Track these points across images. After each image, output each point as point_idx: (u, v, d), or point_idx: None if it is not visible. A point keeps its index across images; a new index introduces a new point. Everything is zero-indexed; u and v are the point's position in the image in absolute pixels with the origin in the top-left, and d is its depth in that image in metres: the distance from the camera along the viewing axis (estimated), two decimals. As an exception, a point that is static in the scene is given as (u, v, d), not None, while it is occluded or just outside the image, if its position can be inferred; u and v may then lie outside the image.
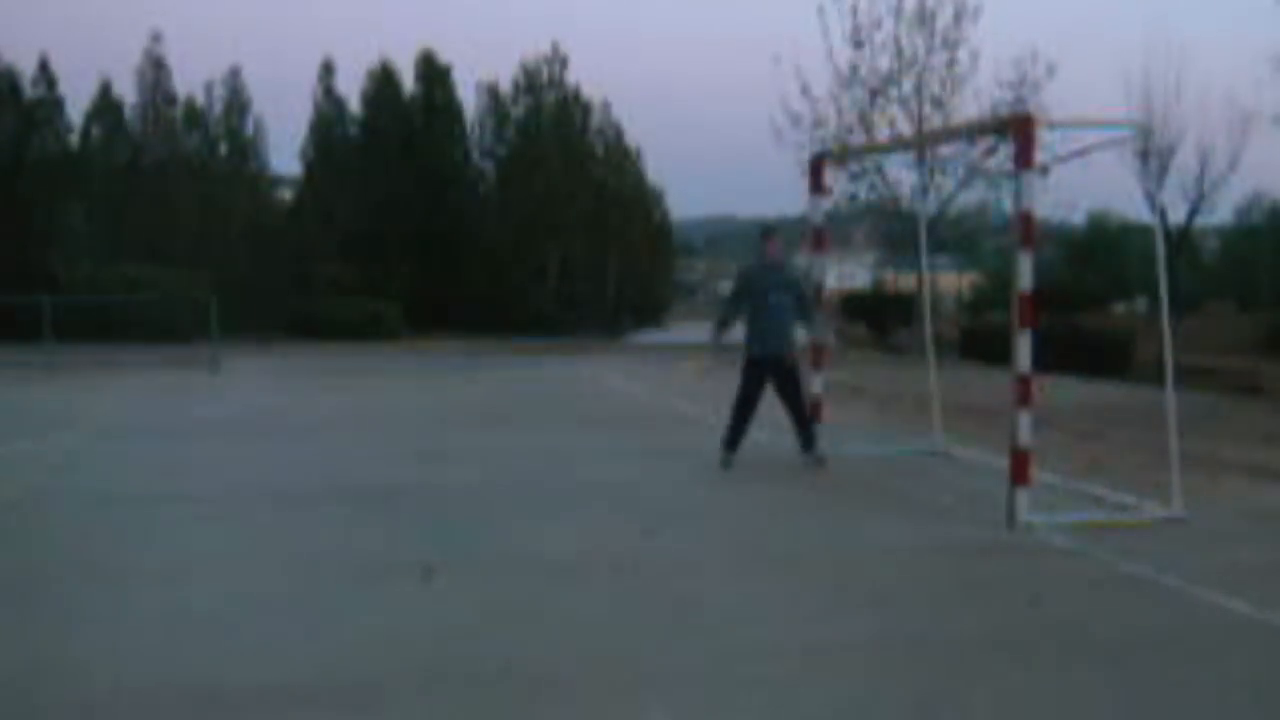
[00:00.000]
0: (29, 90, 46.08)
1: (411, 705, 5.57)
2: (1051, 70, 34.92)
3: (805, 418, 12.53)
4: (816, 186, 13.72)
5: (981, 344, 35.29)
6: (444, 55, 51.73)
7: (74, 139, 46.95)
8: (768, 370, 12.51)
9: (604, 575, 7.99)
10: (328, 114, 50.05)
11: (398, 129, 49.31)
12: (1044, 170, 10.37)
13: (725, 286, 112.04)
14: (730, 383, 13.03)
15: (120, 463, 13.13)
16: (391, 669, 6.04)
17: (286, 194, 51.54)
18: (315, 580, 7.84)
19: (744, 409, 12.57)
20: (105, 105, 46.91)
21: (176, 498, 10.86)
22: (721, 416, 13.00)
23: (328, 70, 50.10)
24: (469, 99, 52.12)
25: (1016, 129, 9.68)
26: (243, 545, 8.94)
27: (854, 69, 35.41)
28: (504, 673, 5.97)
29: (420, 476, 12.07)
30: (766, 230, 13.31)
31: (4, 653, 6.37)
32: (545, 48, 53.38)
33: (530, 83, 52.07)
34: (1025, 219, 9.36)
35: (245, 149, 48.58)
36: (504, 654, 6.24)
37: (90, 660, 6.18)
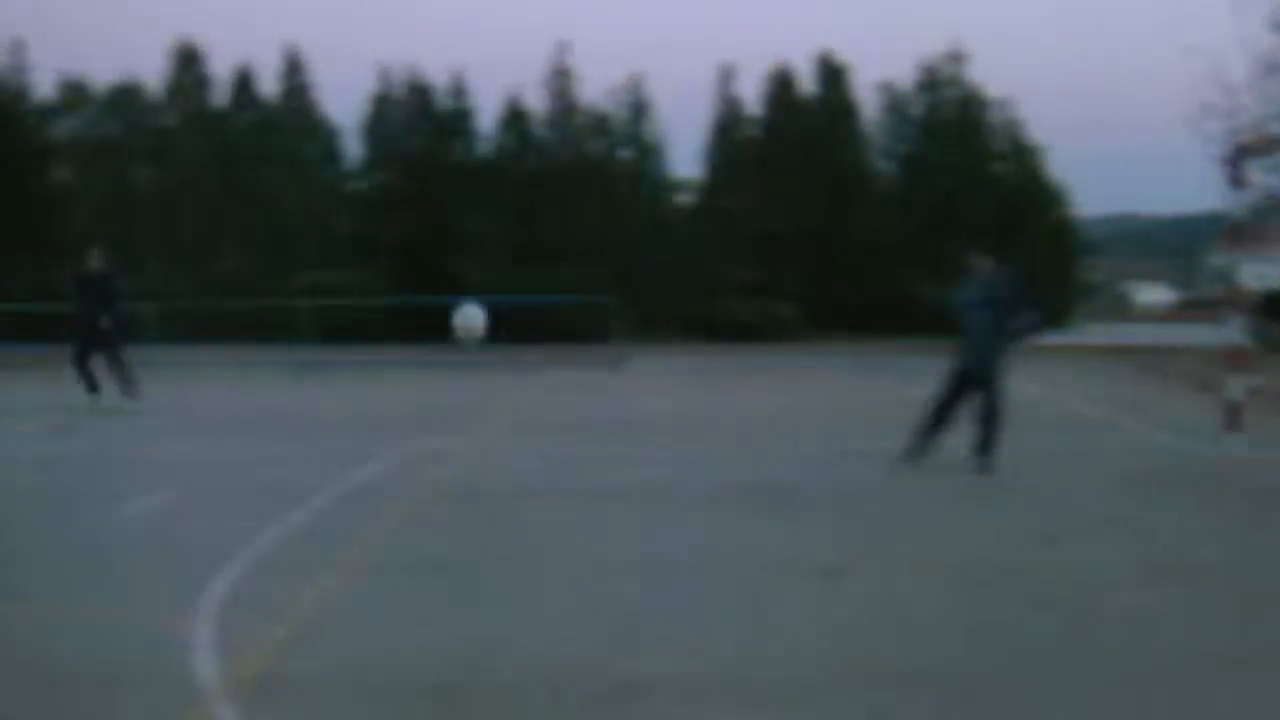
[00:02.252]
0: (443, 102, 48.40)
1: (817, 705, 5.49)
2: None
3: (991, 431, 11.99)
4: (1235, 180, 12.99)
5: None
6: (842, 55, 51.50)
7: (486, 149, 48.94)
8: (968, 380, 12.16)
9: (1004, 580, 7.74)
10: (727, 117, 50.49)
11: (796, 130, 49.30)
12: None
13: (1130, 287, 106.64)
14: (1135, 392, 12.47)
15: (531, 458, 13.50)
16: (795, 668, 5.98)
17: (686, 197, 52.29)
18: (725, 577, 7.85)
19: (941, 412, 12.27)
20: (514, 115, 48.70)
21: (585, 493, 11.08)
22: (1124, 422, 12.44)
23: (727, 74, 50.58)
24: (868, 99, 51.72)
25: None
26: (650, 540, 9.02)
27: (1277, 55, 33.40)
28: (905, 678, 5.83)
29: (821, 476, 11.97)
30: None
31: (440, 633, 6.62)
32: (944, 46, 52.51)
33: (929, 81, 51.26)
34: None
35: (647, 153, 49.54)
36: (906, 659, 6.10)
37: (514, 646, 6.34)
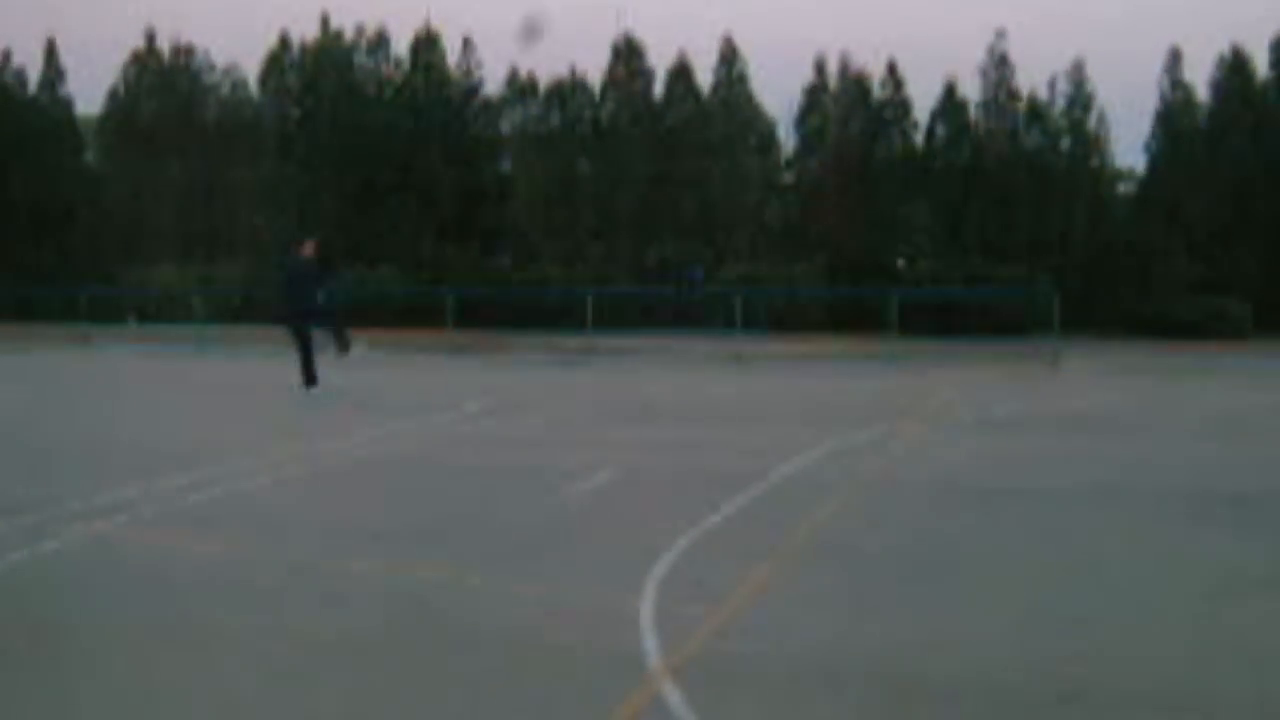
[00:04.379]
0: (877, 91, 48.20)
1: None
2: None
3: None
4: None
5: None
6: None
7: (919, 138, 48.46)
8: None
9: None
10: (1174, 104, 48.30)
11: (1248, 117, 46.67)
12: None
13: None
14: None
15: (961, 453, 13.25)
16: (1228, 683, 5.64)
17: (1128, 188, 50.35)
18: (1169, 588, 7.49)
19: None
20: (950, 104, 48.01)
21: (1020, 491, 10.79)
22: None
23: (1174, 59, 48.40)
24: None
25: None
26: (1117, 546, 8.68)
27: None
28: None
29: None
30: None
31: (894, 629, 6.55)
32: None
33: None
34: None
35: (1088, 143, 47.92)
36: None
37: (961, 646, 6.22)
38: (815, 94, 48.94)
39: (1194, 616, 6.88)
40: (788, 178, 50.56)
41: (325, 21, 50.71)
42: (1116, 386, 23.03)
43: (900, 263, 41.80)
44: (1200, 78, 48.52)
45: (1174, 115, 47.95)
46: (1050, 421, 16.79)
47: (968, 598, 7.20)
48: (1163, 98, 48.21)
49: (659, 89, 49.74)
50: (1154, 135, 48.23)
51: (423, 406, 18.12)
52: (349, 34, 50.93)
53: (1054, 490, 10.89)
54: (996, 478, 11.69)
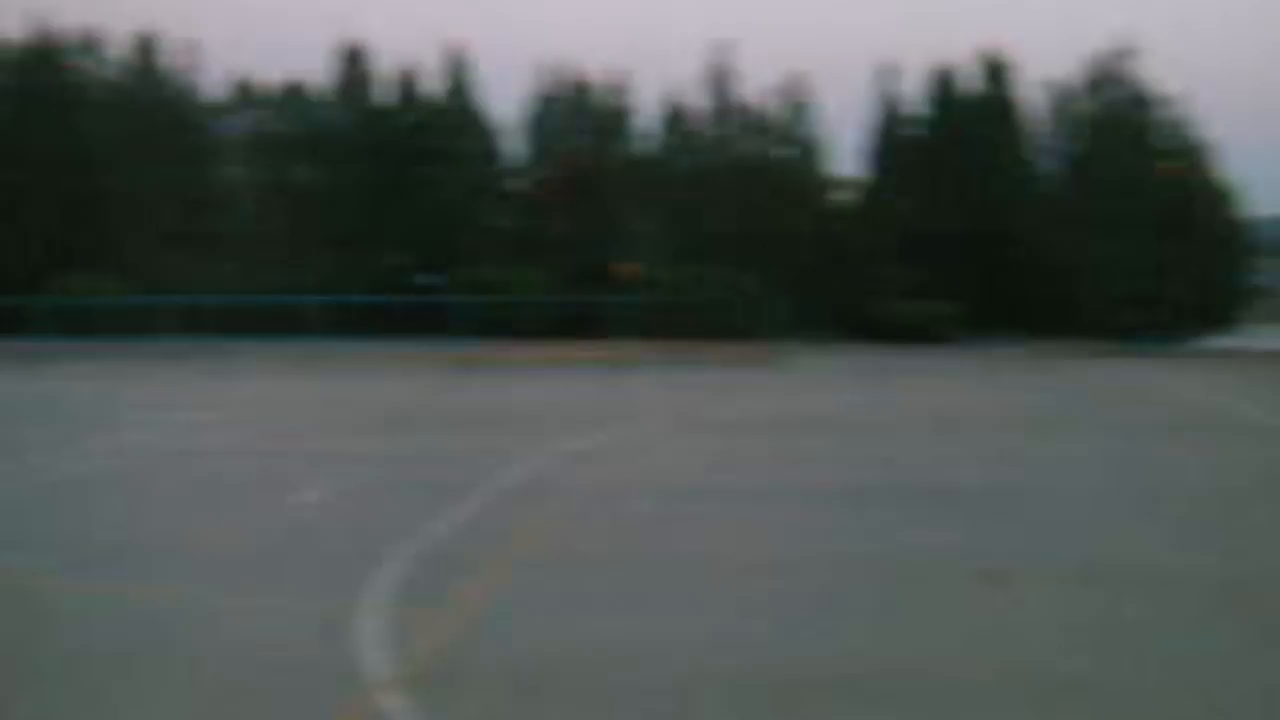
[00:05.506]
0: (605, 100, 48.62)
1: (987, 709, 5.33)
2: None
3: None
4: None
5: None
6: (1007, 53, 50.70)
7: (643, 146, 49.05)
8: None
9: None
10: (888, 115, 50.00)
11: (959, 129, 48.62)
12: None
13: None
14: None
15: (682, 456, 13.43)
16: (964, 670, 5.81)
17: (848, 196, 51.87)
18: (879, 579, 7.71)
19: None
20: (673, 114, 48.72)
21: (726, 492, 10.97)
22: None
23: (888, 72, 50.09)
24: (1033, 97, 50.82)
25: None
26: (799, 542, 8.88)
27: None
28: (1071, 687, 5.64)
29: (984, 479, 11.73)
30: None
31: (611, 629, 6.56)
32: (1113, 43, 51.27)
33: (1097, 79, 50.11)
34: None
35: (808, 152, 49.24)
36: (1076, 669, 5.90)
37: (672, 646, 6.26)
38: (545, 102, 49.10)
39: (896, 605, 7.12)
40: (517, 185, 50.57)
41: (38, 21, 48.67)
42: (839, 388, 23.64)
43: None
44: (914, 89, 50.38)
45: (889, 125, 49.66)
46: (773, 423, 17.15)
47: (684, 597, 7.27)
48: (877, 108, 49.90)
49: (386, 96, 49.24)
50: (871, 145, 49.88)
51: (140, 422, 17.57)
52: (65, 34, 48.98)
53: (755, 491, 11.11)
54: (714, 479, 11.87)
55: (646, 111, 49.11)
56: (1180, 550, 8.88)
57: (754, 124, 48.77)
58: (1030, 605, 7.23)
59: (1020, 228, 47.25)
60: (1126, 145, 47.94)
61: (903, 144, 49.27)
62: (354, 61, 48.88)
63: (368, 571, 7.69)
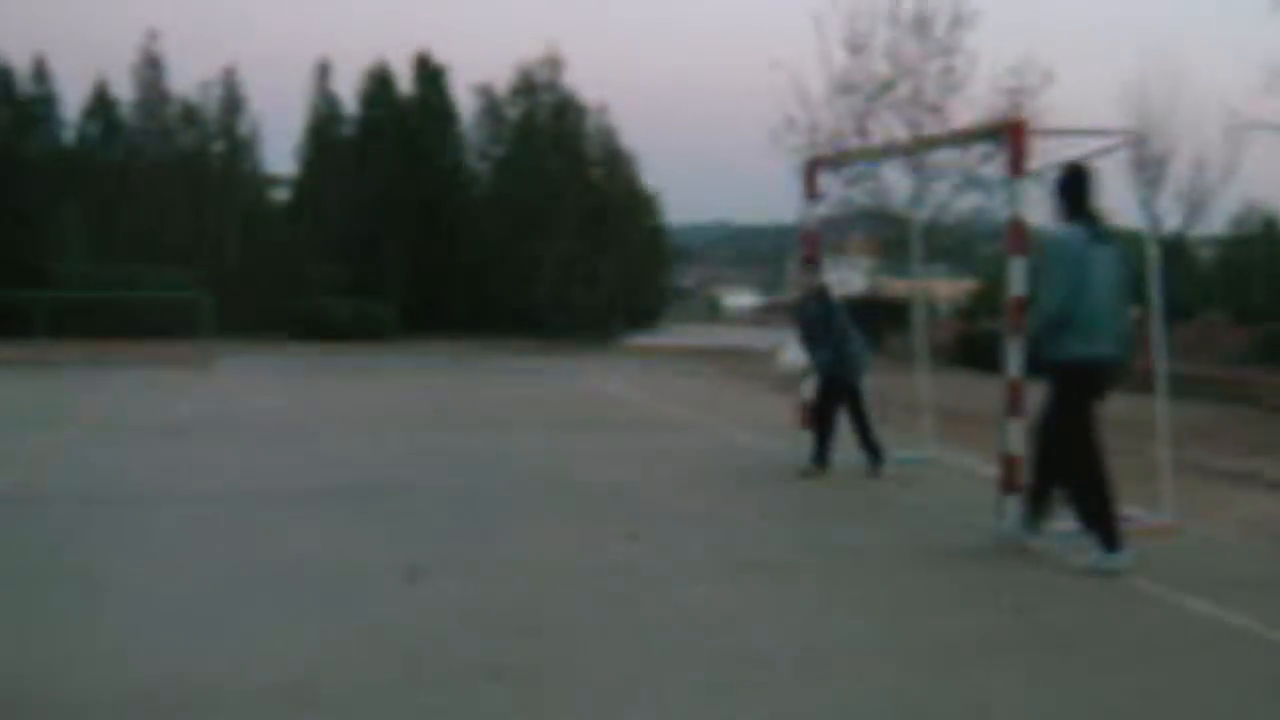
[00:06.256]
0: (24, 86, 46.13)
1: (393, 707, 5.53)
2: (1049, 78, 34.82)
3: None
4: (810, 191, 13.67)
5: (978, 351, 35.13)
6: (440, 57, 51.77)
7: (69, 136, 47.00)
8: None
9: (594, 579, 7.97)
10: (323, 114, 50.01)
11: (393, 129, 49.20)
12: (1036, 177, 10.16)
13: (720, 292, 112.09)
14: (719, 392, 12.99)
15: (110, 461, 13.07)
16: (374, 671, 6.00)
17: (282, 194, 51.49)
18: (303, 580, 7.81)
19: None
20: (101, 103, 46.90)
21: (165, 498, 10.80)
22: (707, 421, 12.93)
23: (324, 70, 50.11)
24: (465, 100, 52.08)
25: (1009, 135, 9.63)
26: (232, 545, 8.88)
27: (850, 75, 35.45)
28: (491, 675, 5.93)
29: (416, 477, 12.03)
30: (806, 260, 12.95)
31: (24, 649, 6.33)
32: (542, 51, 53.20)
33: (526, 85, 51.84)
34: (1016, 225, 9.29)
35: (241, 148, 48.57)
36: (489, 658, 6.20)
37: (77, 662, 6.13)
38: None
39: (316, 605, 7.26)
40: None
41: None
42: (265, 388, 23.49)
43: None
44: (349, 89, 50.60)
45: (324, 124, 49.69)
46: (197, 425, 16.91)
47: (92, 611, 7.11)
48: (313, 107, 49.84)
49: None
50: (306, 142, 49.75)
51: None
52: None
53: (192, 494, 11.00)
54: (138, 485, 11.63)
55: (72, 100, 47.06)
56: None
57: (185, 117, 47.66)
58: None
59: (448, 227, 48.40)
60: (551, 150, 49.89)
61: (338, 143, 49.45)
62: None
63: None
